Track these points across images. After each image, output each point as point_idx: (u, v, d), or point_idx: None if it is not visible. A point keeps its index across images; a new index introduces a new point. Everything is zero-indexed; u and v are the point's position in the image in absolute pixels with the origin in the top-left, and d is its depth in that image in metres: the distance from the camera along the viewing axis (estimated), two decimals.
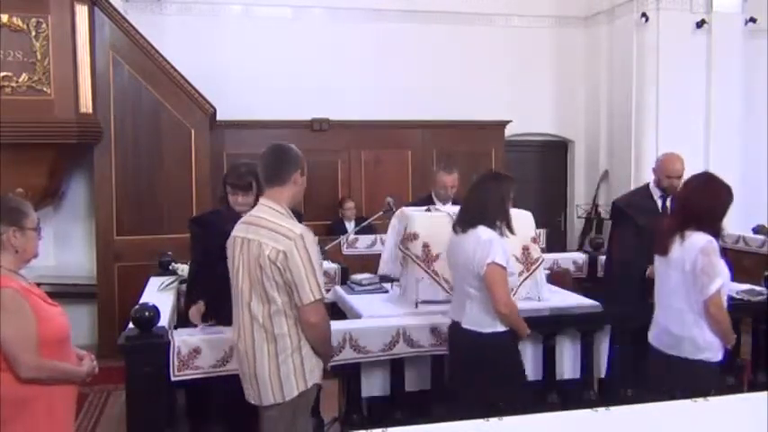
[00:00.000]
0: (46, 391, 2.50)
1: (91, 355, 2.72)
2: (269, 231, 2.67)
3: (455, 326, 3.35)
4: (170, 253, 4.77)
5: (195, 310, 3.49)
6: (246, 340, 2.75)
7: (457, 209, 4.16)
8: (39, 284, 6.42)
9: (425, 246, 3.92)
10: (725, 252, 3.33)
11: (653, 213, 4.17)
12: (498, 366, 3.21)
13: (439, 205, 4.68)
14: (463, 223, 3.29)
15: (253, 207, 3.64)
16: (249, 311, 2.72)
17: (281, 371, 2.68)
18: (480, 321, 3.21)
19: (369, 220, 5.45)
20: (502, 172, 3.74)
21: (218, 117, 6.56)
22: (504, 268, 3.17)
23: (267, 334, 2.69)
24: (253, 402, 2.81)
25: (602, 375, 4.06)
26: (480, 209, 3.26)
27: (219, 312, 3.33)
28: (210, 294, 3.46)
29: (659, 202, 4.27)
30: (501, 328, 3.21)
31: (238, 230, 2.83)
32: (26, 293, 2.49)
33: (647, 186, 4.44)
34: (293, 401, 2.71)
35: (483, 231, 3.21)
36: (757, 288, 4.21)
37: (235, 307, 2.83)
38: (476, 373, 3.22)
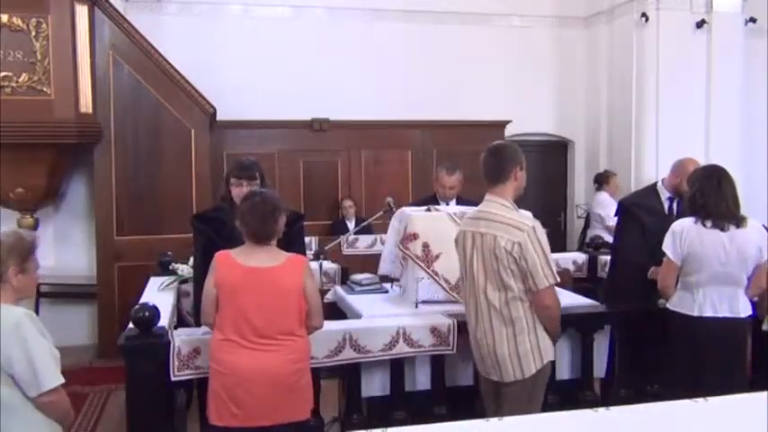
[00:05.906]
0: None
1: None
2: (501, 225, 2.90)
3: (719, 321, 3.41)
4: (170, 253, 4.78)
5: None
6: (484, 325, 2.99)
7: (459, 209, 4.18)
8: (38, 284, 6.42)
9: (425, 246, 3.91)
10: None
11: (659, 214, 4.16)
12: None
13: (441, 205, 4.67)
14: (734, 218, 3.43)
15: None
16: (485, 298, 2.96)
17: (519, 350, 2.92)
18: (748, 306, 3.45)
19: (369, 220, 5.44)
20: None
21: (218, 117, 6.56)
22: None
23: (504, 318, 2.93)
24: (495, 380, 3.03)
25: (602, 375, 4.06)
26: (737, 202, 3.45)
27: None
28: None
29: (666, 204, 4.25)
30: None
31: (467, 225, 3.09)
32: None
33: (653, 187, 4.40)
34: (532, 377, 2.94)
35: (756, 222, 3.45)
36: None
37: (469, 296, 3.07)
38: (743, 357, 3.53)
